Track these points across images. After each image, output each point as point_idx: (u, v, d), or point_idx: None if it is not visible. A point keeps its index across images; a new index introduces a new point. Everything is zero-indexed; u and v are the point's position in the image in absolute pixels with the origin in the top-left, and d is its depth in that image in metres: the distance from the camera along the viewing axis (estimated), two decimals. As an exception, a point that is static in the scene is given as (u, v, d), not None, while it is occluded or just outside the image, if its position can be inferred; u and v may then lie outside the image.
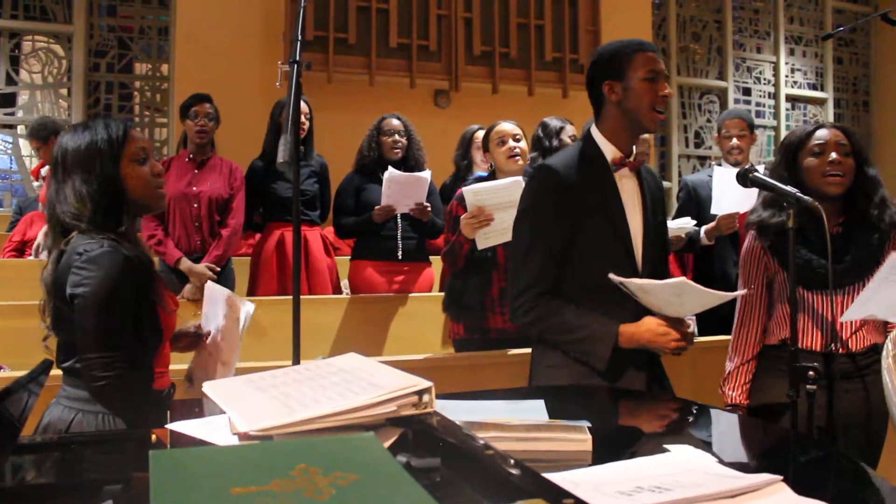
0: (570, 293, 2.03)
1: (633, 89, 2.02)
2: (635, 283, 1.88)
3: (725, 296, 1.86)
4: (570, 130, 4.10)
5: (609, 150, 2.08)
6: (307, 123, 4.01)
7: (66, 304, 1.78)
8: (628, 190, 2.09)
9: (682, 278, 1.85)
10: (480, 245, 2.99)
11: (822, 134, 2.25)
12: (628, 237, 2.05)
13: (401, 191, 3.74)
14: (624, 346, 1.96)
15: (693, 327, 2.06)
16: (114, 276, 1.73)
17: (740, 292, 1.99)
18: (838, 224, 2.26)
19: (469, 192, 2.96)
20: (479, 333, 3.21)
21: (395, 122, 4.00)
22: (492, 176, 3.25)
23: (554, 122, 4.15)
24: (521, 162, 3.12)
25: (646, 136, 3.68)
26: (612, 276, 1.90)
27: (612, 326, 1.97)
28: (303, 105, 3.94)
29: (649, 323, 1.95)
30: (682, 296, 1.86)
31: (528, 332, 2.12)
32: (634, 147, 2.14)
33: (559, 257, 2.02)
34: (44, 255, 1.89)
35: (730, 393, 2.32)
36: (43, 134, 4.95)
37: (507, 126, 3.21)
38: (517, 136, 3.18)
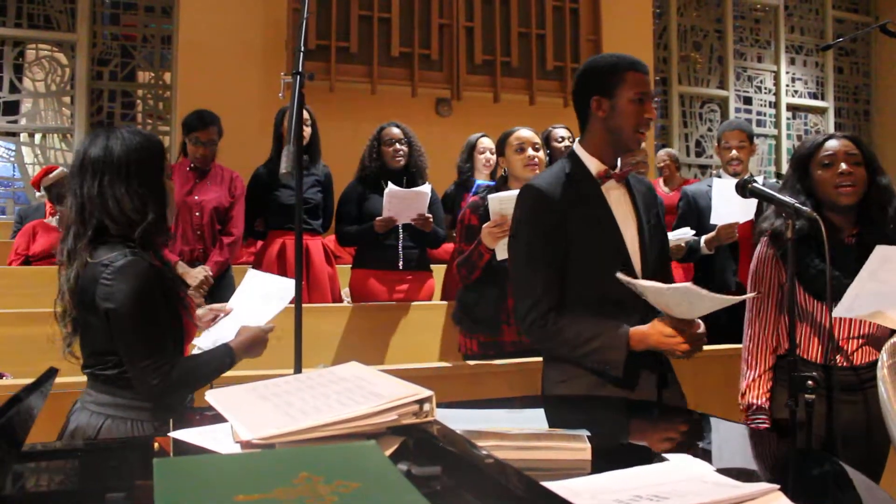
0: (573, 307, 2.03)
1: (619, 108, 2.04)
2: (643, 284, 1.88)
3: (732, 299, 1.85)
4: (556, 134, 4.10)
5: (593, 165, 2.09)
6: (308, 130, 4.00)
7: (94, 314, 1.80)
8: (618, 201, 2.10)
9: (688, 284, 1.84)
10: (500, 256, 2.94)
11: (831, 145, 2.24)
12: (623, 247, 2.06)
13: (401, 204, 3.75)
14: (635, 348, 1.96)
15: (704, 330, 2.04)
16: (142, 284, 1.77)
17: (749, 295, 1.97)
18: (853, 234, 2.25)
19: (494, 199, 2.91)
20: (494, 349, 3.14)
21: (395, 130, 3.99)
22: (503, 181, 3.21)
23: (556, 132, 4.15)
24: (537, 171, 3.02)
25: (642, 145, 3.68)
26: (619, 275, 1.90)
27: (622, 331, 1.97)
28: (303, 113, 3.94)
29: (659, 325, 1.94)
30: (688, 300, 1.86)
31: (541, 347, 2.14)
32: (619, 160, 2.15)
33: (558, 272, 2.03)
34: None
35: (754, 402, 2.26)
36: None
37: (527, 133, 3.14)
38: (536, 146, 3.12)
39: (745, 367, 2.33)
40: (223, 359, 1.94)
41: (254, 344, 2.01)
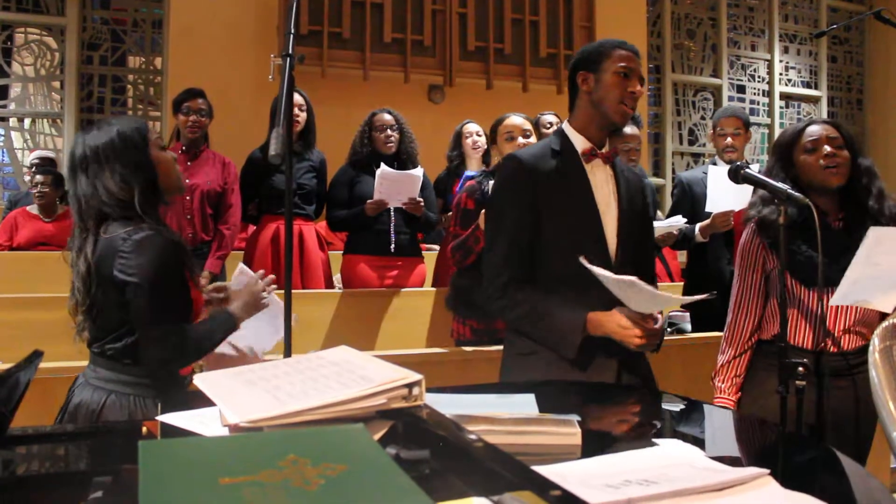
0: (542, 281, 2.04)
1: (603, 81, 2.05)
2: (596, 272, 1.86)
3: (676, 299, 1.85)
4: (544, 120, 4.09)
5: (579, 142, 2.10)
6: (301, 115, 3.99)
7: (110, 287, 1.87)
8: (602, 182, 2.10)
9: (633, 278, 1.81)
10: None
11: (813, 130, 2.26)
12: (599, 227, 2.05)
13: (393, 187, 3.73)
14: (591, 332, 1.96)
15: (662, 324, 2.02)
16: (160, 257, 1.86)
17: (698, 297, 1.93)
18: (839, 219, 2.26)
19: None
20: (487, 335, 3.16)
21: (387, 116, 3.99)
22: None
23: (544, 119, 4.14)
24: None
25: (635, 131, 3.67)
26: (581, 258, 1.88)
27: (580, 315, 1.97)
28: (298, 98, 3.93)
29: (616, 316, 1.94)
30: (633, 291, 1.85)
31: (501, 319, 2.15)
32: (607, 141, 2.15)
33: (527, 245, 2.04)
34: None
35: (720, 385, 2.32)
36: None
37: (516, 120, 3.15)
38: (527, 132, 3.13)
39: (721, 349, 2.37)
40: (225, 325, 2.02)
41: (249, 304, 2.10)
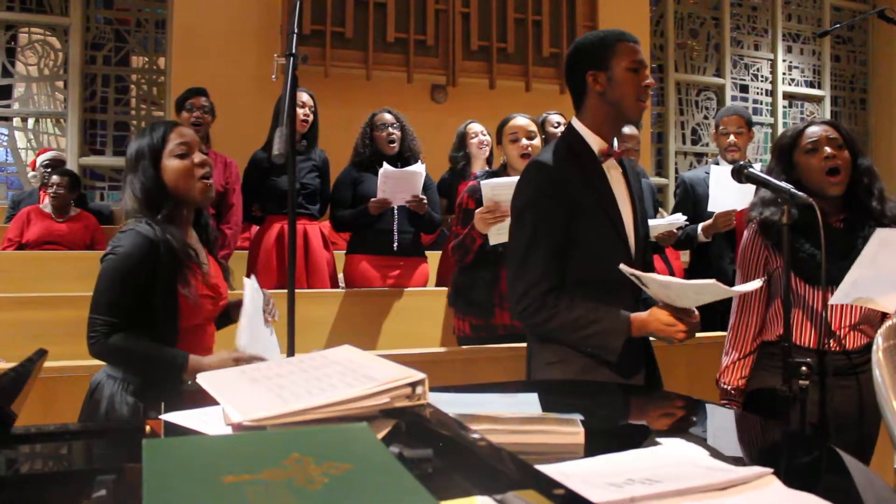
0: (571, 289, 2.01)
1: (617, 80, 2.02)
2: (653, 279, 1.87)
3: (743, 288, 1.91)
4: (552, 120, 4.10)
5: (595, 142, 2.07)
6: (311, 116, 4.00)
7: None
8: (616, 180, 2.09)
9: (713, 280, 1.83)
10: (493, 240, 2.96)
11: (812, 131, 2.25)
12: (622, 228, 2.05)
13: (396, 185, 3.73)
14: (634, 334, 1.97)
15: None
16: (130, 252, 1.93)
17: (755, 284, 1.98)
18: (841, 219, 2.26)
19: (487, 186, 2.90)
20: (486, 332, 3.17)
21: (387, 115, 3.99)
22: (502, 170, 3.21)
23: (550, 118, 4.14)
24: None
25: (633, 131, 3.67)
26: (623, 267, 1.89)
27: (624, 317, 1.97)
28: (307, 98, 3.95)
29: (659, 314, 1.95)
30: (702, 293, 1.87)
31: (535, 330, 2.09)
32: (616, 139, 2.14)
33: (561, 252, 2.01)
34: None
35: (725, 387, 2.32)
36: None
37: (521, 121, 3.15)
38: (531, 134, 3.12)
39: (725, 351, 2.36)
40: (170, 364, 1.97)
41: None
